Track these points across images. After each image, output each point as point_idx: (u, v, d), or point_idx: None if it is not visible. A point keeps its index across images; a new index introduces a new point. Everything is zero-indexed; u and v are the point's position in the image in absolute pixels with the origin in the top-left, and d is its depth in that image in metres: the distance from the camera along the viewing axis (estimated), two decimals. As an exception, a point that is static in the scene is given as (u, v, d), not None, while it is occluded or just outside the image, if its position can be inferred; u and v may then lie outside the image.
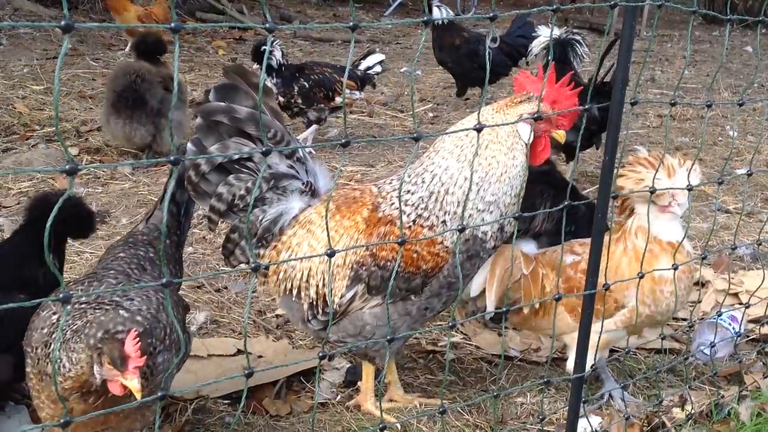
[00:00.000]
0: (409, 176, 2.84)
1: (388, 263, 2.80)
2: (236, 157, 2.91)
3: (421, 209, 2.78)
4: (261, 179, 2.89)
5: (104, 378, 2.04)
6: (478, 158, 2.74)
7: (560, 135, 2.80)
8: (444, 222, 2.77)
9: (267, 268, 2.99)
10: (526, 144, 2.73)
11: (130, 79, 5.73)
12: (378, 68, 6.51)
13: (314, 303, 2.91)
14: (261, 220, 2.95)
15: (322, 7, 14.01)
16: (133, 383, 1.97)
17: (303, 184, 2.98)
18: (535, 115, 2.30)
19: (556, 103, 2.75)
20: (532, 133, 2.73)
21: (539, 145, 2.80)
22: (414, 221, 2.78)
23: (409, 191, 2.82)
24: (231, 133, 2.89)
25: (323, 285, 2.87)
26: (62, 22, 1.25)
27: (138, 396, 1.97)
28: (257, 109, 2.86)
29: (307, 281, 2.92)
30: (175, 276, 2.81)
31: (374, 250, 2.82)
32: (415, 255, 2.79)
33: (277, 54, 6.24)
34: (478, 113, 1.99)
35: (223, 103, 2.89)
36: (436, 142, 2.89)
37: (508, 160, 2.75)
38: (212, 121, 2.88)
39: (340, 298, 2.86)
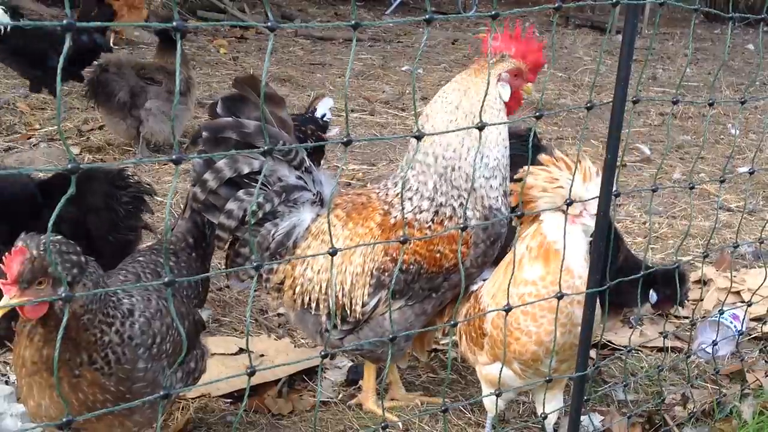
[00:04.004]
0: (413, 169, 2.82)
1: (411, 266, 2.79)
2: (246, 170, 2.83)
3: (438, 199, 2.77)
4: (261, 188, 2.84)
5: None
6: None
7: (528, 88, 2.86)
8: (461, 204, 2.75)
9: (270, 271, 2.97)
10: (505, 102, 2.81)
11: (93, 73, 5.81)
12: (329, 115, 4.88)
13: (334, 313, 2.88)
14: (273, 234, 2.88)
15: (323, 6, 14.00)
16: None
17: (313, 194, 2.94)
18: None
19: (525, 57, 2.80)
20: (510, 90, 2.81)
21: (512, 99, 2.86)
22: (432, 219, 2.78)
23: (419, 182, 2.80)
24: (239, 147, 2.83)
25: (342, 295, 2.86)
26: (64, 21, 1.25)
27: None
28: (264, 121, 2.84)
29: (326, 293, 2.88)
30: (195, 291, 2.76)
31: (395, 255, 2.81)
32: (438, 255, 2.79)
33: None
34: (480, 112, 1.98)
35: (230, 119, 2.84)
36: (424, 125, 2.80)
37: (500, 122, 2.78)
38: (221, 137, 2.82)
39: (363, 306, 2.85)
